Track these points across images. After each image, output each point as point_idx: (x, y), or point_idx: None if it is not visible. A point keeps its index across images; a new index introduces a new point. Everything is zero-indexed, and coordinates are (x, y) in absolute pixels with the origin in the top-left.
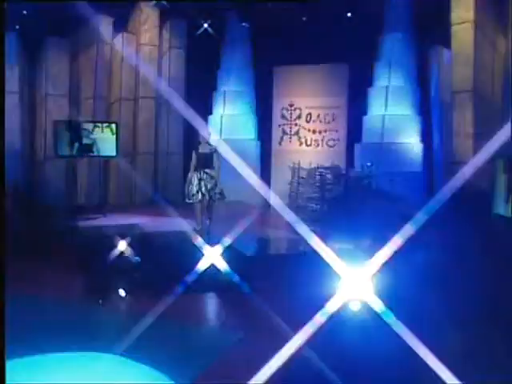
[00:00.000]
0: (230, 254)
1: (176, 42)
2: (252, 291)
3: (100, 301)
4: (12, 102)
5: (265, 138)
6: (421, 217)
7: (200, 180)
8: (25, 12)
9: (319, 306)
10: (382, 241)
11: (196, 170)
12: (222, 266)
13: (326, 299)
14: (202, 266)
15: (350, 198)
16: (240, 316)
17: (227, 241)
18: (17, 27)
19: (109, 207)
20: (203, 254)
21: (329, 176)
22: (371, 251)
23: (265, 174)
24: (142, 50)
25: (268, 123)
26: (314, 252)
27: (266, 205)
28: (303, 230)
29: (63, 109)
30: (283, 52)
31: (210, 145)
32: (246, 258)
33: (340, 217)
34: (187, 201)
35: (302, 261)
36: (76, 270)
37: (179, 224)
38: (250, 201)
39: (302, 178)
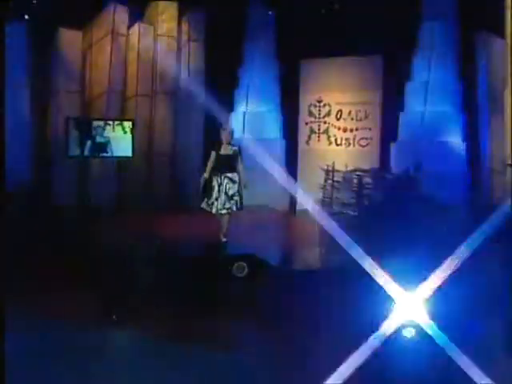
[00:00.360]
0: (259, 269)
1: (196, 34)
2: (287, 312)
3: (114, 317)
4: (21, 98)
5: (290, 137)
6: (480, 228)
7: (220, 185)
8: (34, 0)
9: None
10: (434, 254)
11: (215, 173)
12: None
13: (376, 324)
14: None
15: (393, 204)
16: (278, 340)
17: (255, 254)
18: (26, 17)
19: (124, 212)
20: (231, 270)
21: (368, 179)
22: (422, 268)
23: (290, 176)
24: (160, 42)
25: (294, 121)
26: (354, 266)
27: (293, 210)
28: (341, 240)
29: (75, 105)
30: (311, 43)
31: (232, 145)
32: (278, 274)
33: (382, 226)
34: (204, 207)
35: (340, 277)
36: (87, 286)
37: (201, 232)
38: (276, 205)
39: (337, 181)
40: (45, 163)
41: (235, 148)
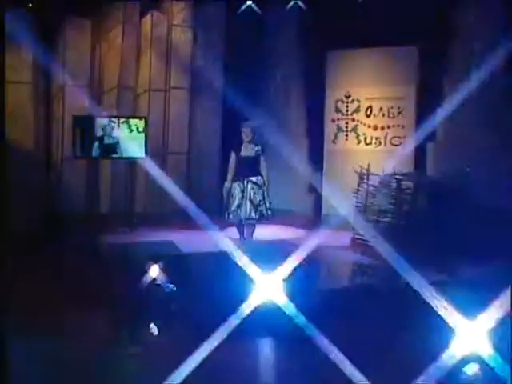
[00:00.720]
0: (288, 284)
1: (214, 23)
2: (321, 337)
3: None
4: (24, 94)
5: (315, 136)
6: None
7: (243, 191)
8: None
9: None
10: (488, 269)
11: (237, 178)
12: (279, 300)
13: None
14: (254, 299)
15: (438, 211)
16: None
17: (284, 267)
18: (29, 5)
19: (136, 218)
20: (255, 284)
21: (408, 183)
22: (475, 285)
23: (314, 178)
24: (175, 33)
25: (319, 118)
26: (396, 280)
27: (318, 215)
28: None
29: (83, 102)
30: (339, 32)
31: (255, 145)
32: (310, 291)
33: (424, 235)
34: (228, 219)
35: (382, 296)
36: (97, 300)
37: (221, 241)
38: (299, 210)
39: (373, 185)
40: (48, 165)
41: (258, 147)
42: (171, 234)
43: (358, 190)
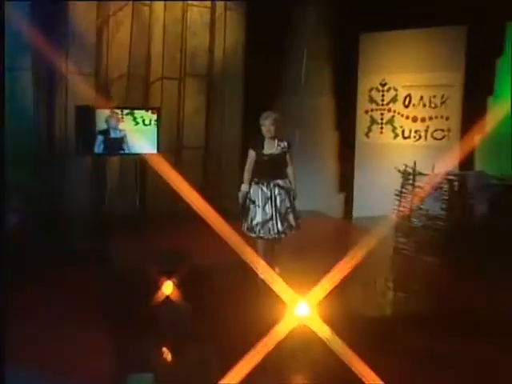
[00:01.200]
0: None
1: (234, 2)
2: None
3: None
4: (23, 82)
5: (346, 129)
6: None
7: (269, 198)
8: None
9: None
10: None
11: (259, 181)
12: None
13: None
14: (284, 323)
15: (500, 219)
16: None
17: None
18: None
19: (147, 222)
20: (285, 306)
21: (462, 185)
22: None
23: (344, 176)
24: (191, 13)
25: (351, 108)
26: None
27: (349, 217)
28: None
29: (88, 91)
30: (374, 12)
31: (279, 140)
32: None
33: (483, 248)
34: (248, 232)
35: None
36: (102, 319)
37: (243, 249)
38: (327, 211)
39: (420, 187)
40: (49, 162)
41: (283, 144)
42: (186, 241)
43: (402, 191)
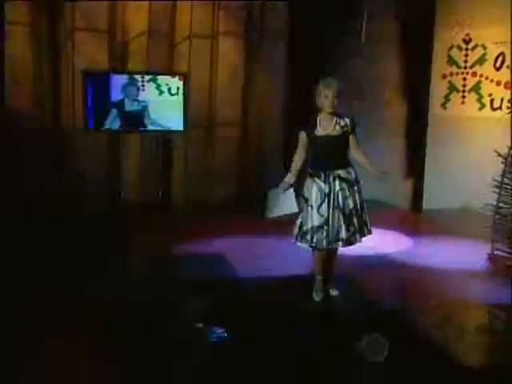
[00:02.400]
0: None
1: None
2: None
3: None
4: (20, 40)
5: (416, 98)
6: None
7: (328, 195)
8: None
9: None
10: None
11: (314, 172)
12: None
13: None
14: None
15: None
16: None
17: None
18: None
19: (172, 214)
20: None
21: None
22: None
23: (414, 157)
24: None
25: (424, 73)
26: None
27: (418, 208)
28: None
29: (100, 52)
30: None
31: (339, 118)
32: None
33: None
34: (298, 242)
35: None
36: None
37: (294, 255)
38: (391, 200)
39: None
40: (53, 139)
41: (345, 121)
42: (220, 240)
43: (504, 182)
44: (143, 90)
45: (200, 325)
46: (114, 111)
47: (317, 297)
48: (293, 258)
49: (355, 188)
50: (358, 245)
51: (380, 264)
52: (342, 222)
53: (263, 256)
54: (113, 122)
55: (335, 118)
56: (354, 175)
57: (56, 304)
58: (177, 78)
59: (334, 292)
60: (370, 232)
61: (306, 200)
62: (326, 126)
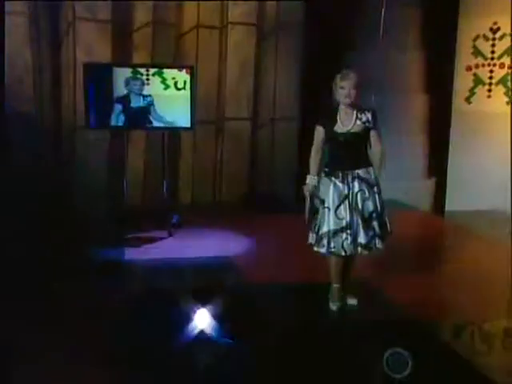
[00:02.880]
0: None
1: None
2: None
3: None
4: (18, 30)
5: (439, 91)
6: None
7: (346, 197)
8: None
9: None
10: None
11: (331, 171)
12: None
13: None
14: None
15: None
16: None
17: None
18: None
19: (178, 215)
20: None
21: None
22: None
23: (435, 154)
24: None
25: (447, 64)
26: None
27: (439, 210)
28: None
29: (103, 43)
30: None
31: (360, 112)
32: None
33: None
34: (314, 247)
35: None
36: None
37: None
38: (411, 201)
39: None
40: (53, 138)
41: (366, 116)
42: (229, 242)
43: None
44: (148, 84)
45: (204, 330)
46: (119, 107)
47: (333, 306)
48: (306, 262)
49: (375, 189)
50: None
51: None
52: (361, 226)
53: (274, 260)
54: (117, 119)
55: (355, 112)
56: (373, 175)
57: None
58: (184, 71)
59: (352, 300)
60: (390, 234)
61: (322, 201)
62: (347, 122)
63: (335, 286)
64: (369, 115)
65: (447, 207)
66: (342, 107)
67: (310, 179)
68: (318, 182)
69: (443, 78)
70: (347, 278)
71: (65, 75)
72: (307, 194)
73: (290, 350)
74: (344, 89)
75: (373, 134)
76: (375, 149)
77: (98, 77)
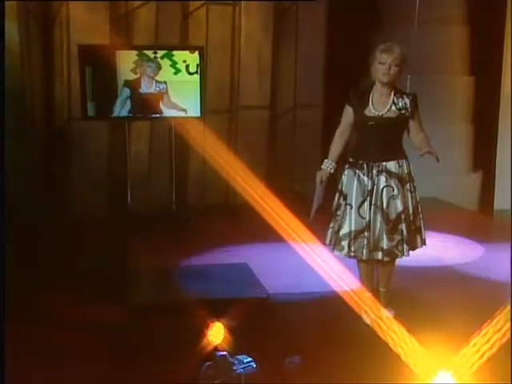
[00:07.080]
0: None
1: None
2: None
3: None
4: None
5: (486, 74)
6: None
7: (370, 192)
8: None
9: None
10: None
11: (356, 162)
12: None
13: None
14: None
15: None
16: None
17: None
18: None
19: (188, 217)
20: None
21: None
22: None
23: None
24: None
25: (495, 42)
26: None
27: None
28: None
29: (100, 23)
30: None
31: (397, 95)
32: None
33: None
34: (332, 250)
35: None
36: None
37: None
38: (453, 199)
39: None
40: (46, 129)
41: (404, 101)
42: (244, 247)
43: None
44: (158, 68)
45: (224, 352)
46: (127, 91)
47: (367, 319)
48: (334, 269)
49: (407, 186)
50: (413, 253)
51: (443, 277)
52: (384, 228)
53: (296, 266)
54: (121, 108)
55: (392, 95)
56: (406, 170)
57: None
58: (196, 53)
59: (387, 313)
60: (423, 243)
61: (345, 197)
62: (380, 105)
63: (367, 295)
64: (407, 100)
65: (497, 205)
66: (377, 86)
67: (326, 164)
68: (342, 174)
69: (491, 59)
70: (383, 287)
71: (56, 59)
72: (319, 180)
73: (317, 368)
74: (384, 64)
75: (412, 124)
76: (417, 137)
77: (97, 60)
